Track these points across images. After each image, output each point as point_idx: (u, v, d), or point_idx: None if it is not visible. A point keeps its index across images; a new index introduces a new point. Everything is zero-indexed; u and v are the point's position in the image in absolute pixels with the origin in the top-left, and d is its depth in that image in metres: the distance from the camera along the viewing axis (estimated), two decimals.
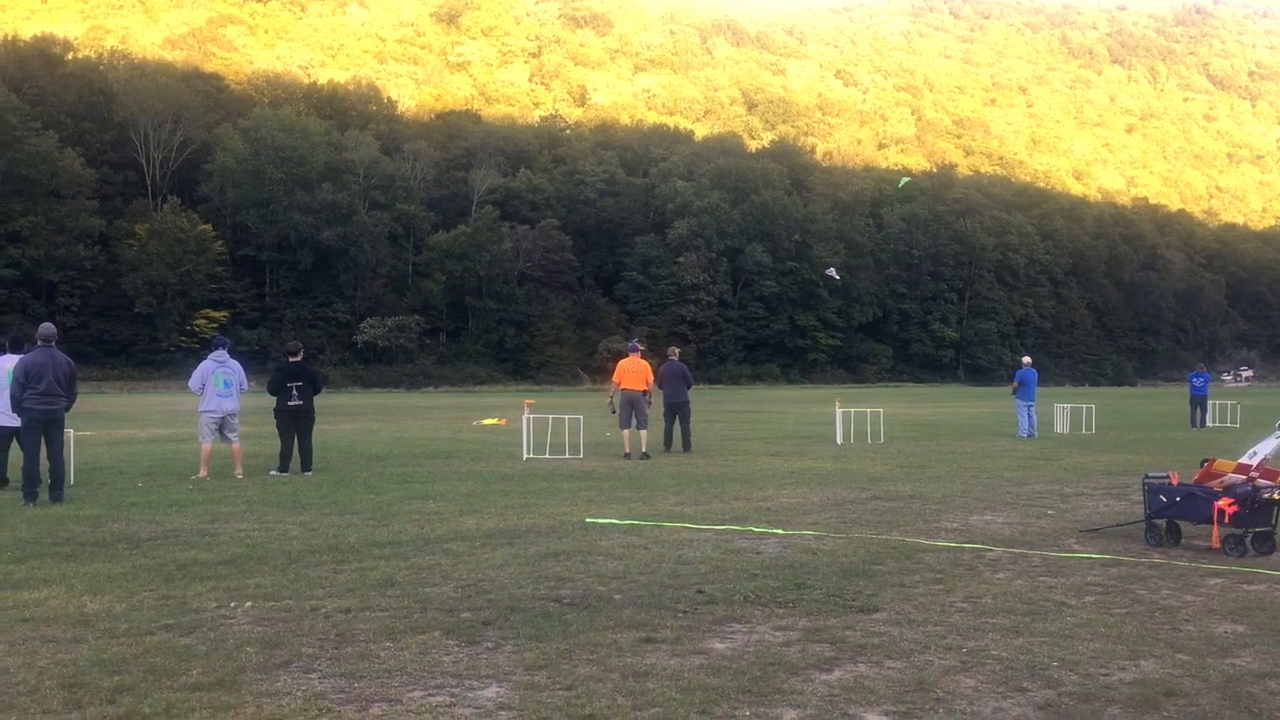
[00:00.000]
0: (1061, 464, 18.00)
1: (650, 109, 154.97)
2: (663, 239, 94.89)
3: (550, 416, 20.88)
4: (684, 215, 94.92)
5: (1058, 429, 27.70)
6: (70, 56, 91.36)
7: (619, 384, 18.92)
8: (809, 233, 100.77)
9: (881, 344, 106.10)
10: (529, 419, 19.25)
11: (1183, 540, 9.73)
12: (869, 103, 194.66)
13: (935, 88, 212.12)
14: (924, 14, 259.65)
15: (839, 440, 22.76)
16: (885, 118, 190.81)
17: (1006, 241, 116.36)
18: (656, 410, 19.73)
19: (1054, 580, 8.04)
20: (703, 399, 22.04)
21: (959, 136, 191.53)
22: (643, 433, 18.75)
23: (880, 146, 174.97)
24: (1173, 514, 9.67)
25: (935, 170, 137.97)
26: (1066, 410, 28.84)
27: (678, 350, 21.68)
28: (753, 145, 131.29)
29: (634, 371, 18.93)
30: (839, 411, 23.50)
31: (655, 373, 19.58)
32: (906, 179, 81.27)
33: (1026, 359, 27.61)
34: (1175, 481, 9.77)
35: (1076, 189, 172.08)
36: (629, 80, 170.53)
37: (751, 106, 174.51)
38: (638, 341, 20.94)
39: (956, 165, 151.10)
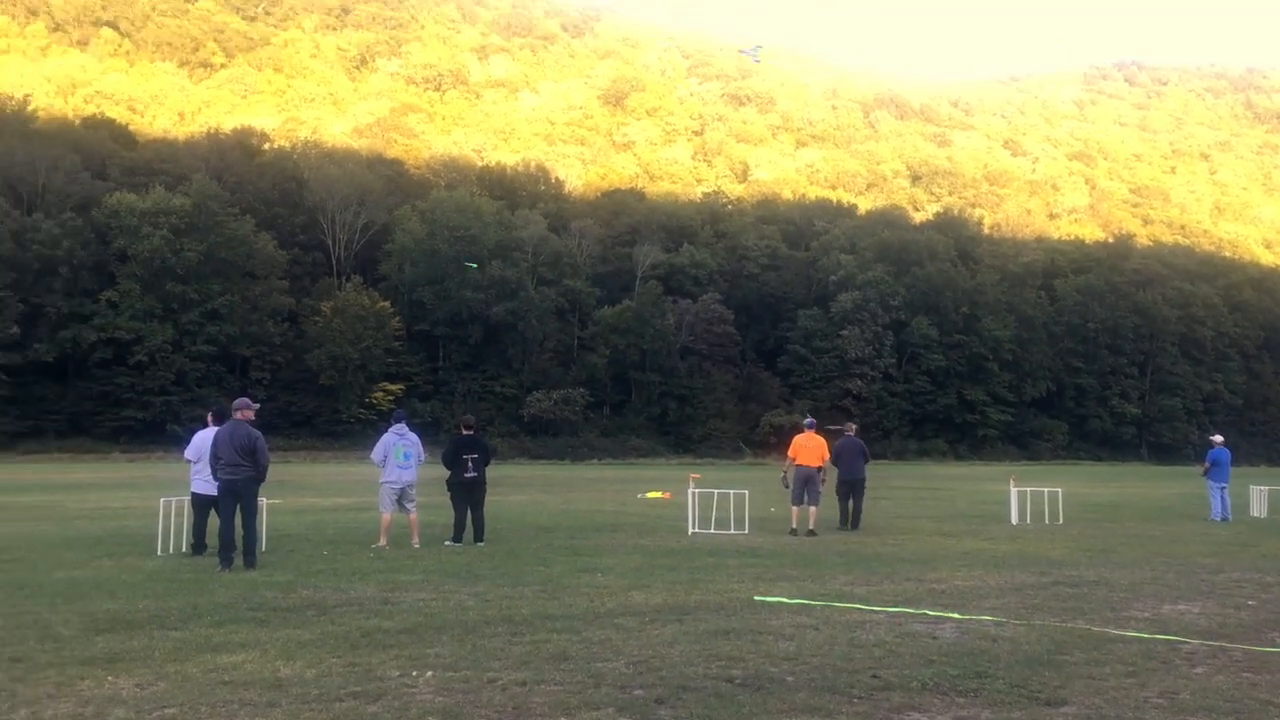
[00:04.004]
0: (1260, 550, 16.89)
1: (812, 183, 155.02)
2: (825, 312, 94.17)
3: (715, 491, 20.84)
4: (847, 288, 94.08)
5: (1254, 512, 26.03)
6: (266, 147, 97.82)
7: (795, 459, 18.87)
8: (977, 305, 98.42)
9: (1056, 420, 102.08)
10: (694, 493, 19.28)
11: None
12: (1039, 172, 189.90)
13: (1110, 156, 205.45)
14: (1096, 81, 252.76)
15: (1014, 520, 21.96)
16: (1057, 187, 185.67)
17: (1191, 313, 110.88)
18: (828, 486, 19.56)
19: (1258, 677, 7.54)
20: (869, 475, 21.70)
21: (1136, 205, 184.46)
22: (813, 509, 18.63)
23: (1051, 216, 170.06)
24: None
25: (1111, 240, 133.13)
26: (1264, 492, 27.10)
27: (854, 426, 21.52)
28: (917, 217, 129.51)
29: (810, 448, 18.91)
30: (1014, 490, 22.69)
31: (830, 448, 19.53)
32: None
33: (1218, 438, 26.13)
34: None
35: (1267, 259, 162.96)
36: (791, 155, 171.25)
37: (916, 179, 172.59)
38: (813, 418, 20.93)
39: (1134, 235, 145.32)
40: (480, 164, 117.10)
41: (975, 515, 24.40)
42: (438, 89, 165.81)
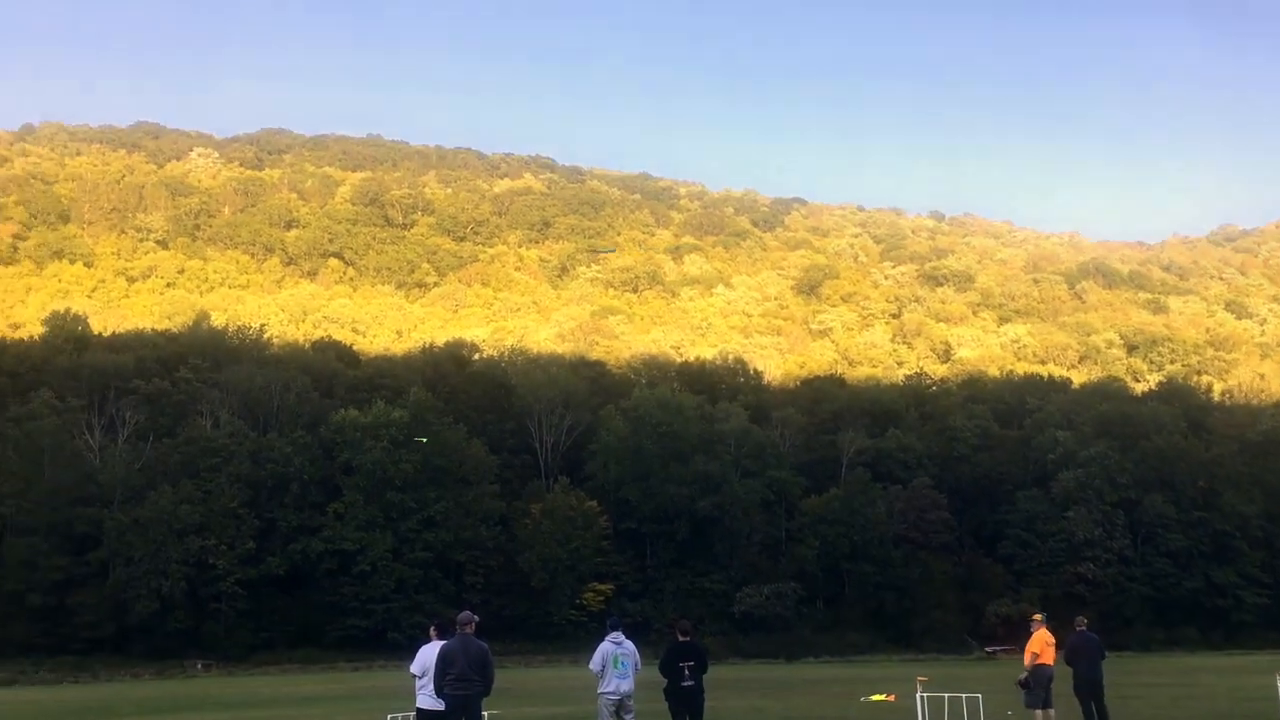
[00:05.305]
0: None
1: (1019, 359, 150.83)
2: (1046, 493, 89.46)
3: (945, 695, 19.47)
4: (1068, 466, 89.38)
5: None
6: (476, 357, 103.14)
7: (1040, 657, 17.68)
8: (1216, 478, 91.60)
9: None
10: (922, 697, 18.07)
11: None
12: (1269, 334, 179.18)
13: None
14: None
15: None
16: None
17: None
18: (1062, 686, 18.15)
19: None
20: (1112, 669, 19.84)
21: None
22: (1051, 711, 17.28)
23: None
24: None
25: None
26: None
27: (1085, 620, 20.03)
28: (1138, 388, 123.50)
29: (1050, 645, 17.88)
30: None
31: (1063, 645, 18.29)
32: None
33: None
34: None
35: None
36: (994, 332, 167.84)
37: (1132, 348, 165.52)
38: (1045, 611, 19.72)
39: None
40: (679, 360, 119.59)
41: (1241, 715, 21.93)
42: (635, 290, 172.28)
